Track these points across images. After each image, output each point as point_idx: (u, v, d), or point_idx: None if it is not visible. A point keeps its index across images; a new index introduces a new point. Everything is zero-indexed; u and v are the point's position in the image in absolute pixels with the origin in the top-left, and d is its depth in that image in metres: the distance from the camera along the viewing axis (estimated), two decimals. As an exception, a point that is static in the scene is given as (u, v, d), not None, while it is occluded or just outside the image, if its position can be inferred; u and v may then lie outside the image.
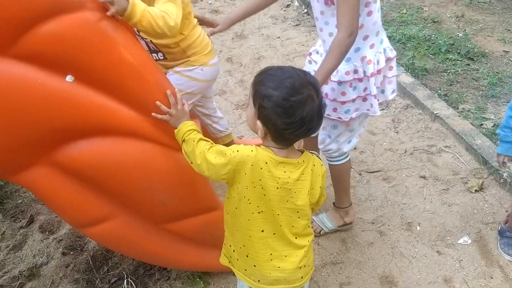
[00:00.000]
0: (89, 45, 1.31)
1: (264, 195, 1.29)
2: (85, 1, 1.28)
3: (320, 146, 2.01)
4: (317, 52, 1.94)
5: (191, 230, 1.71)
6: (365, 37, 1.72)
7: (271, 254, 1.36)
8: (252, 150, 1.27)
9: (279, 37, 4.05)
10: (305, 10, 4.42)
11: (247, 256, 1.39)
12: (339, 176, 2.08)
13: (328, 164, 2.05)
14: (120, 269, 1.99)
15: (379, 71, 1.78)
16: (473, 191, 2.34)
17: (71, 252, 2.08)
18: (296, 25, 4.25)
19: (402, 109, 2.99)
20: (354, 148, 2.69)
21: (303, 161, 1.30)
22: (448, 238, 2.11)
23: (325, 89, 1.81)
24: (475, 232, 2.14)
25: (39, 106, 1.34)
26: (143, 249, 1.71)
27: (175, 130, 1.45)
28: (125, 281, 1.93)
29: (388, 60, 1.81)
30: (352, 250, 2.07)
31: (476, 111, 2.91)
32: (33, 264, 2.04)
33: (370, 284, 1.91)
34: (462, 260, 2.01)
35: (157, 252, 1.73)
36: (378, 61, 1.76)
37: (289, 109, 1.18)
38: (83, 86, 1.37)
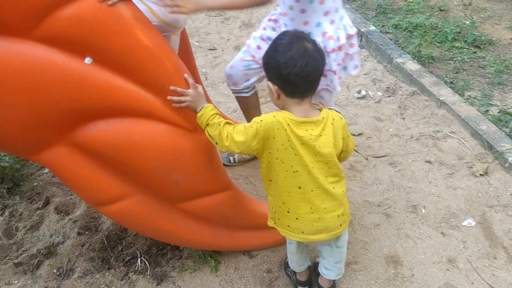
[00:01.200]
0: (108, 28, 1.36)
1: (295, 154, 1.42)
2: (104, -15, 1.33)
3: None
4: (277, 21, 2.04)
5: (204, 209, 1.76)
6: (326, 13, 1.79)
7: (311, 208, 1.50)
8: (274, 116, 1.42)
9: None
10: None
11: (288, 212, 1.52)
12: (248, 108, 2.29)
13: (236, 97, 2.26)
14: (134, 248, 2.06)
15: (340, 48, 1.83)
16: (478, 175, 2.39)
17: (86, 232, 2.15)
18: (303, 13, 4.27)
19: (409, 96, 3.03)
20: (361, 134, 2.74)
21: (322, 117, 1.44)
22: (453, 220, 2.16)
23: None
24: (479, 215, 2.18)
25: (59, 86, 1.39)
26: (157, 227, 1.77)
27: (198, 114, 1.52)
28: (139, 259, 2.00)
29: (349, 37, 1.87)
30: (358, 231, 2.12)
31: (482, 98, 2.94)
32: (50, 243, 2.11)
33: (376, 264, 1.97)
34: (466, 241, 2.06)
35: (171, 230, 1.79)
36: (338, 38, 1.81)
37: (281, 52, 1.36)
38: (101, 68, 1.42)
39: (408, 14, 4.22)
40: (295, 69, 1.34)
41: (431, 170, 2.45)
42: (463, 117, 2.71)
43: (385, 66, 3.36)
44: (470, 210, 2.21)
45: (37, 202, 2.33)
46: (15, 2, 1.26)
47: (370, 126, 2.81)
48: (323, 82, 1.85)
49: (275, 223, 1.62)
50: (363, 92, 3.11)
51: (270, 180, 1.53)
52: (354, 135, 2.73)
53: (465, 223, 2.15)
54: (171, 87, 1.48)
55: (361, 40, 3.67)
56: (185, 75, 1.51)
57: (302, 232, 1.54)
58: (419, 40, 3.61)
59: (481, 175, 2.39)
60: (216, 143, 1.50)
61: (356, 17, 3.86)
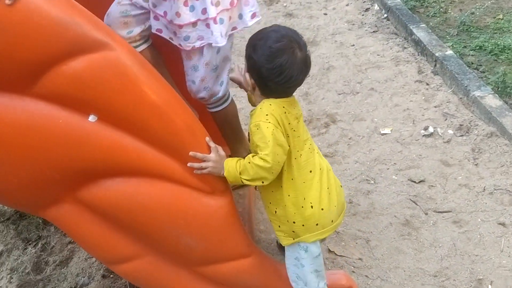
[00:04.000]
0: (109, 86, 1.22)
1: (299, 136, 1.42)
2: (106, 41, 1.19)
3: (193, 97, 1.77)
4: None
5: (221, 276, 1.58)
6: None
7: (327, 188, 1.48)
8: (270, 104, 1.36)
9: (353, 45, 3.78)
10: (385, 15, 4.09)
11: (311, 207, 1.45)
12: (225, 123, 1.90)
13: (210, 113, 1.87)
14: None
15: None
16: None
17: (111, 275, 2.06)
18: (374, 31, 3.94)
19: (485, 137, 2.63)
20: (423, 181, 2.40)
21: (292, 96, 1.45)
22: (527, 303, 1.80)
23: (164, 6, 1.56)
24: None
25: (60, 145, 1.29)
26: (172, 290, 1.62)
27: (226, 175, 1.37)
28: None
29: None
30: (407, 306, 1.83)
31: None
32: (75, 283, 2.05)
33: None
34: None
35: (187, 294, 1.63)
36: None
37: (270, 55, 1.31)
38: (106, 126, 1.30)
39: (495, 33, 3.73)
40: (278, 79, 1.33)
41: (505, 235, 2.08)
42: (551, 170, 2.29)
43: (461, 98, 2.96)
44: (550, 292, 1.83)
45: (70, 235, 2.28)
46: (10, 58, 1.15)
47: (435, 171, 2.46)
48: (200, 35, 1.54)
49: (294, 237, 1.50)
50: (431, 129, 2.75)
51: (288, 185, 1.44)
52: (414, 182, 2.40)
53: (542, 309, 1.78)
54: (191, 153, 1.33)
55: (435, 65, 3.28)
56: (206, 138, 1.37)
57: (332, 221, 1.51)
58: (504, 68, 3.15)
59: None
60: (263, 182, 1.37)
61: (432, 39, 3.47)
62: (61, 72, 1.18)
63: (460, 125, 2.75)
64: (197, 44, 1.56)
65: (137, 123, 1.28)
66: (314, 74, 3.43)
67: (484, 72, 3.20)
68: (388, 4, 4.01)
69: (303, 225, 1.47)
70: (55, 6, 1.13)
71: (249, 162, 1.34)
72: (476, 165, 2.47)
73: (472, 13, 4.01)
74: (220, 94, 1.74)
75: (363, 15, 4.24)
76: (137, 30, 1.68)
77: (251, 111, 1.45)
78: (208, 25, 1.52)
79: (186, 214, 1.43)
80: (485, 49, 3.49)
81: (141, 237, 1.48)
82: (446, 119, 2.83)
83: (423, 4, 4.25)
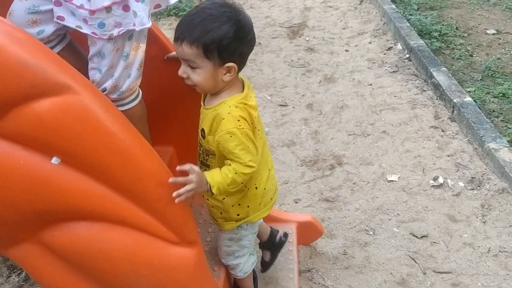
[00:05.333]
0: (72, 130, 1.18)
1: (258, 126, 1.41)
2: (69, 84, 1.16)
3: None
4: None
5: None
6: None
7: (269, 169, 1.54)
8: (236, 107, 1.32)
9: (371, 84, 3.69)
10: (407, 56, 3.99)
11: (256, 188, 1.48)
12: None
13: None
14: None
15: None
16: None
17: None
18: (394, 71, 3.85)
19: (496, 193, 2.47)
20: (425, 236, 2.27)
21: (245, 80, 1.43)
22: None
23: None
24: None
25: (20, 186, 1.24)
26: None
27: (214, 190, 1.32)
28: None
29: None
30: None
31: None
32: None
33: None
34: None
35: None
36: None
37: (243, 28, 1.29)
38: (69, 169, 1.25)
39: (523, 80, 3.58)
40: (253, 40, 1.33)
41: (506, 305, 1.92)
42: None
43: (476, 149, 2.81)
44: None
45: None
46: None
47: (439, 226, 2.32)
48: (127, 20, 1.34)
49: (238, 220, 1.52)
50: (441, 180, 2.61)
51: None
52: (416, 236, 2.27)
53: None
54: (171, 179, 1.27)
55: (452, 111, 3.15)
56: (178, 167, 1.29)
57: (271, 199, 1.57)
58: (525, 119, 3.00)
59: None
60: (242, 183, 1.38)
61: (451, 84, 3.34)
62: (22, 114, 1.15)
63: (472, 177, 2.61)
64: (115, 32, 1.35)
65: (100, 168, 1.24)
66: (326, 112, 3.36)
67: (504, 121, 3.06)
68: (411, 44, 3.92)
69: (248, 206, 1.50)
70: (17, 47, 1.11)
71: (235, 173, 1.32)
72: (484, 222, 2.32)
73: (499, 58, 3.88)
74: (123, 88, 1.49)
75: (385, 54, 4.16)
76: (49, 28, 1.43)
77: (211, 108, 1.38)
78: (126, 7, 1.32)
79: (150, 264, 1.36)
80: (508, 97, 3.36)
81: (102, 284, 1.42)
82: (458, 170, 2.69)
83: (449, 46, 4.15)
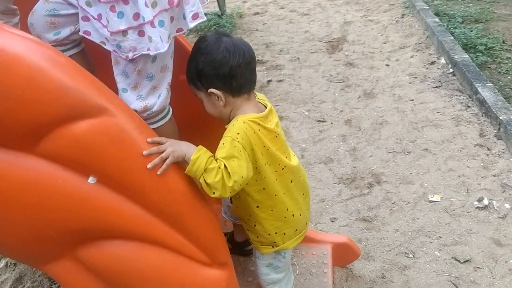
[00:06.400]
0: (107, 151, 1.21)
1: (276, 151, 1.38)
2: (106, 106, 1.19)
3: None
4: None
5: None
6: None
7: (303, 194, 1.53)
8: (244, 122, 1.31)
9: (412, 100, 3.60)
10: (451, 70, 3.87)
11: (293, 215, 1.48)
12: None
13: None
14: None
15: None
16: None
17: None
18: (436, 87, 3.74)
19: (548, 216, 2.34)
20: (468, 261, 2.16)
21: (268, 104, 1.43)
22: None
23: (99, 8, 1.35)
24: None
25: (57, 205, 1.28)
26: None
27: (192, 157, 1.25)
28: None
29: None
30: None
31: None
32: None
33: None
34: None
35: None
36: None
37: (211, 51, 1.31)
38: (105, 189, 1.28)
39: None
40: (236, 60, 1.31)
41: None
42: None
43: (524, 169, 2.68)
44: None
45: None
46: (12, 119, 1.18)
47: (484, 251, 2.21)
48: (142, 45, 1.35)
49: (274, 246, 1.51)
50: (486, 201, 2.50)
51: (264, 190, 1.41)
52: (459, 261, 2.17)
53: None
54: (145, 152, 1.22)
55: (499, 129, 3.02)
56: (148, 139, 1.25)
57: (306, 224, 1.57)
58: None
59: None
60: (214, 193, 1.27)
61: (498, 100, 3.21)
62: (61, 135, 1.19)
63: (520, 199, 2.48)
64: (130, 55, 1.37)
65: (134, 189, 1.26)
66: (365, 128, 3.30)
67: (555, 140, 2.90)
68: (455, 58, 3.81)
69: (284, 234, 1.49)
70: (58, 71, 1.15)
71: (219, 167, 1.25)
72: (533, 248, 2.20)
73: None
74: (155, 109, 1.51)
75: (427, 68, 4.06)
76: (65, 32, 1.49)
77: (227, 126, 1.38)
78: (142, 33, 1.33)
79: (182, 284, 1.36)
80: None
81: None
82: (504, 191, 2.57)
83: (495, 60, 4.00)
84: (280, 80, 4.09)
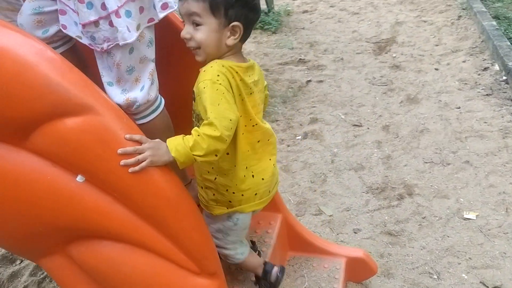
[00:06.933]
0: (91, 150, 1.19)
1: (248, 105, 1.33)
2: (91, 105, 1.16)
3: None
4: None
5: None
6: None
7: (270, 159, 1.45)
8: (222, 65, 1.26)
9: (459, 108, 3.37)
10: (505, 78, 3.59)
11: (252, 176, 1.41)
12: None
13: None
14: None
15: None
16: None
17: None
18: (487, 94, 3.48)
19: None
20: (498, 287, 1.98)
21: (251, 60, 1.38)
22: None
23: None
24: None
25: (46, 201, 1.27)
26: None
27: (174, 155, 1.19)
28: None
29: None
30: None
31: None
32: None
33: None
34: None
35: None
36: None
37: None
38: (92, 188, 1.26)
39: None
40: (259, 12, 1.35)
41: None
42: None
43: None
44: None
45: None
46: (1, 113, 1.18)
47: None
48: (106, 36, 1.33)
49: (229, 207, 1.43)
50: (527, 223, 2.28)
51: (234, 153, 1.35)
52: (487, 287, 1.99)
53: None
54: (119, 150, 1.16)
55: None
56: (127, 135, 1.18)
57: (269, 192, 1.49)
58: None
59: None
60: (216, 155, 1.23)
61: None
62: (47, 131, 1.18)
63: None
64: (105, 46, 1.37)
65: (120, 190, 1.23)
66: (403, 135, 3.12)
67: None
68: (509, 66, 3.53)
69: (242, 195, 1.41)
70: (45, 67, 1.13)
71: (198, 135, 1.19)
72: None
73: None
74: (139, 102, 1.48)
75: (479, 74, 3.79)
76: (53, 29, 1.49)
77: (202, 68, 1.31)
78: (111, 23, 1.32)
79: (168, 291, 1.32)
80: None
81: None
82: (551, 212, 2.33)
83: (556, 67, 3.65)
84: (320, 81, 3.97)
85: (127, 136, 1.18)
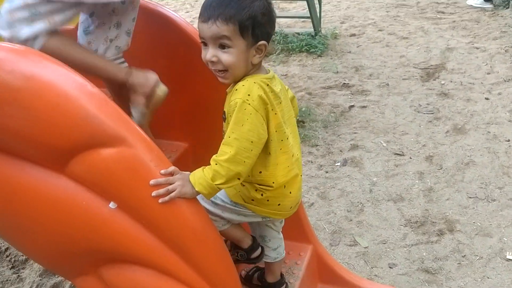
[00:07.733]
0: (122, 180, 1.25)
1: (282, 117, 1.34)
2: (125, 136, 1.22)
3: None
4: None
5: None
6: None
7: (300, 176, 1.44)
8: (254, 82, 1.27)
9: (509, 141, 3.24)
10: (561, 110, 3.41)
11: (284, 187, 1.38)
12: None
13: None
14: None
15: None
16: None
17: None
18: (541, 127, 3.32)
19: None
20: None
21: (271, 71, 1.37)
22: None
23: None
24: None
25: (80, 224, 1.35)
26: None
27: (198, 189, 1.22)
28: None
29: None
30: None
31: None
32: None
33: None
34: None
35: None
36: None
37: (270, 5, 1.29)
38: (123, 215, 1.31)
39: None
40: (275, 20, 1.33)
41: None
42: None
43: None
44: None
45: None
46: (42, 141, 1.27)
47: None
48: None
49: (246, 201, 1.38)
50: None
51: (270, 154, 1.33)
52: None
53: None
54: (152, 181, 1.21)
55: None
56: (162, 171, 1.23)
57: (290, 208, 1.44)
58: None
59: None
60: (239, 178, 1.24)
61: None
62: (85, 160, 1.25)
63: None
64: None
65: (148, 219, 1.27)
66: (447, 167, 3.03)
67: None
68: None
69: (267, 200, 1.37)
70: (82, 100, 1.21)
71: (216, 164, 1.20)
72: None
73: None
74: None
75: (535, 104, 3.62)
76: (40, 26, 1.49)
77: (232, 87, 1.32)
78: None
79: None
80: None
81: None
82: None
83: None
84: (364, 106, 3.93)
85: (162, 171, 1.22)
